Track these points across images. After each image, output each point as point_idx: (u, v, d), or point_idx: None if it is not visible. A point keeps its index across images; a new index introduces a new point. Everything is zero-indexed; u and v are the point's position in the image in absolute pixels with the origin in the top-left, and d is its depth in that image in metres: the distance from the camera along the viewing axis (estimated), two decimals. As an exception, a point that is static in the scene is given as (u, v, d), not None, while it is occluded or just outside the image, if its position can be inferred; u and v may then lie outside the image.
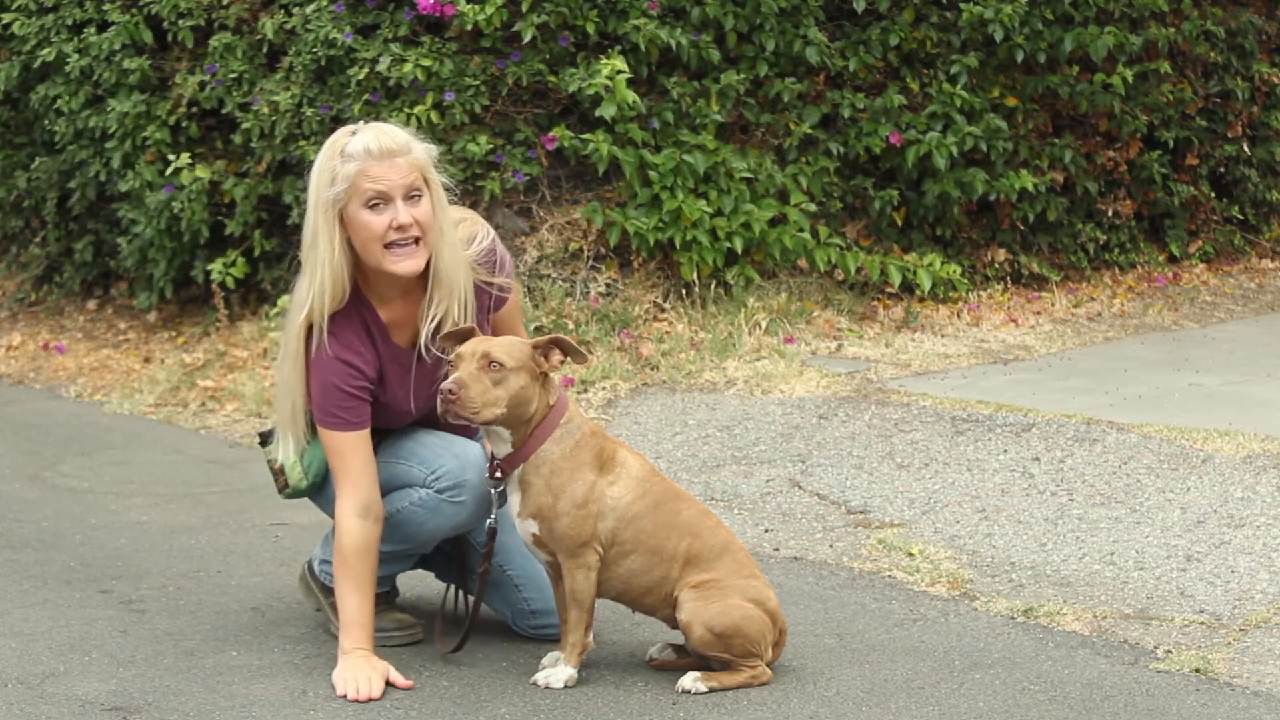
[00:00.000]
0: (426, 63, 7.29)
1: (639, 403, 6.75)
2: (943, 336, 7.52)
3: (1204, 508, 5.29)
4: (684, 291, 7.51)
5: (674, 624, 4.06)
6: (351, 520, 4.07)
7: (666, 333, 7.30)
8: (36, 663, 4.18)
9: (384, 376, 4.14)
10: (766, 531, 5.44)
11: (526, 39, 7.37)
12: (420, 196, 4.04)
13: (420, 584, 4.71)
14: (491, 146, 7.39)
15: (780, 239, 7.52)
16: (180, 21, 8.01)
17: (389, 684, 4.00)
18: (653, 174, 7.39)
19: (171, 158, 7.87)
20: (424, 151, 4.09)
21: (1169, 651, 4.29)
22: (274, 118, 7.65)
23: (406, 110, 7.25)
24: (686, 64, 7.67)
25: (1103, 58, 8.33)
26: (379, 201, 4.00)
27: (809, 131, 7.87)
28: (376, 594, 4.35)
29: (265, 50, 7.87)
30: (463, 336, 4.02)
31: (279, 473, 4.29)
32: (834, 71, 8.04)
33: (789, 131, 7.87)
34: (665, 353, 7.11)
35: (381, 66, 7.30)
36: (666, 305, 7.49)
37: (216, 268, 7.89)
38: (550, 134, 7.40)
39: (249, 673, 4.12)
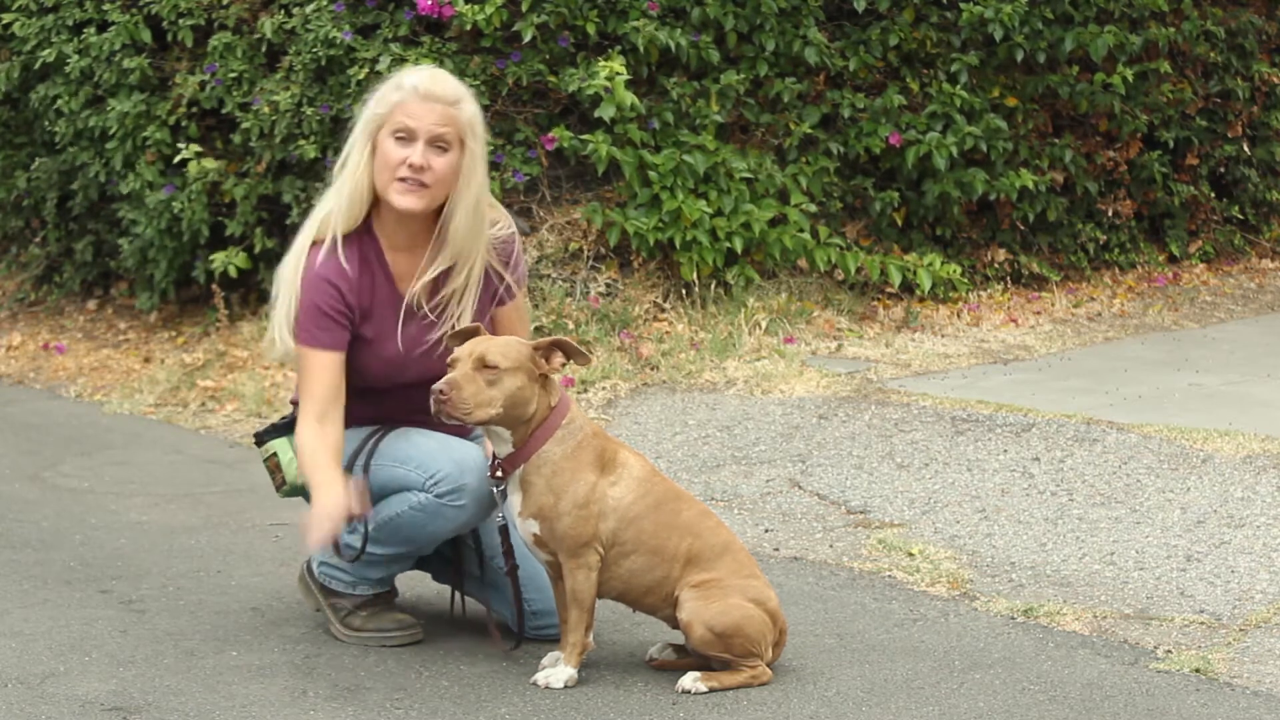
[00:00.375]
0: (426, 62, 7.28)
1: (639, 403, 6.75)
2: (943, 336, 7.52)
3: (1204, 508, 5.29)
4: (684, 291, 7.51)
5: (675, 624, 4.06)
6: (309, 426, 4.10)
7: (666, 333, 7.30)
8: (36, 663, 4.17)
9: (371, 313, 4.18)
10: (766, 531, 5.44)
11: (526, 39, 7.37)
12: (446, 150, 4.11)
13: (420, 584, 4.71)
14: (491, 147, 7.38)
15: (780, 239, 7.52)
16: (180, 21, 8.01)
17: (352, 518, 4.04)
18: (652, 174, 7.39)
19: (180, 146, 7.87)
20: (469, 113, 4.16)
21: (1169, 651, 4.29)
22: (274, 117, 7.65)
23: (406, 110, 7.25)
24: (686, 64, 7.67)
25: (1103, 57, 8.33)
26: (405, 136, 4.10)
27: (809, 131, 7.87)
28: (376, 594, 4.36)
29: (265, 50, 7.87)
30: (467, 336, 4.04)
31: (275, 469, 4.29)
32: (834, 71, 8.05)
33: (789, 131, 7.87)
34: (665, 353, 7.11)
35: (381, 66, 7.29)
36: (666, 305, 7.49)
37: (220, 258, 7.88)
38: (550, 134, 7.40)
39: (249, 673, 4.12)
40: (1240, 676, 4.11)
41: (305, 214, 4.24)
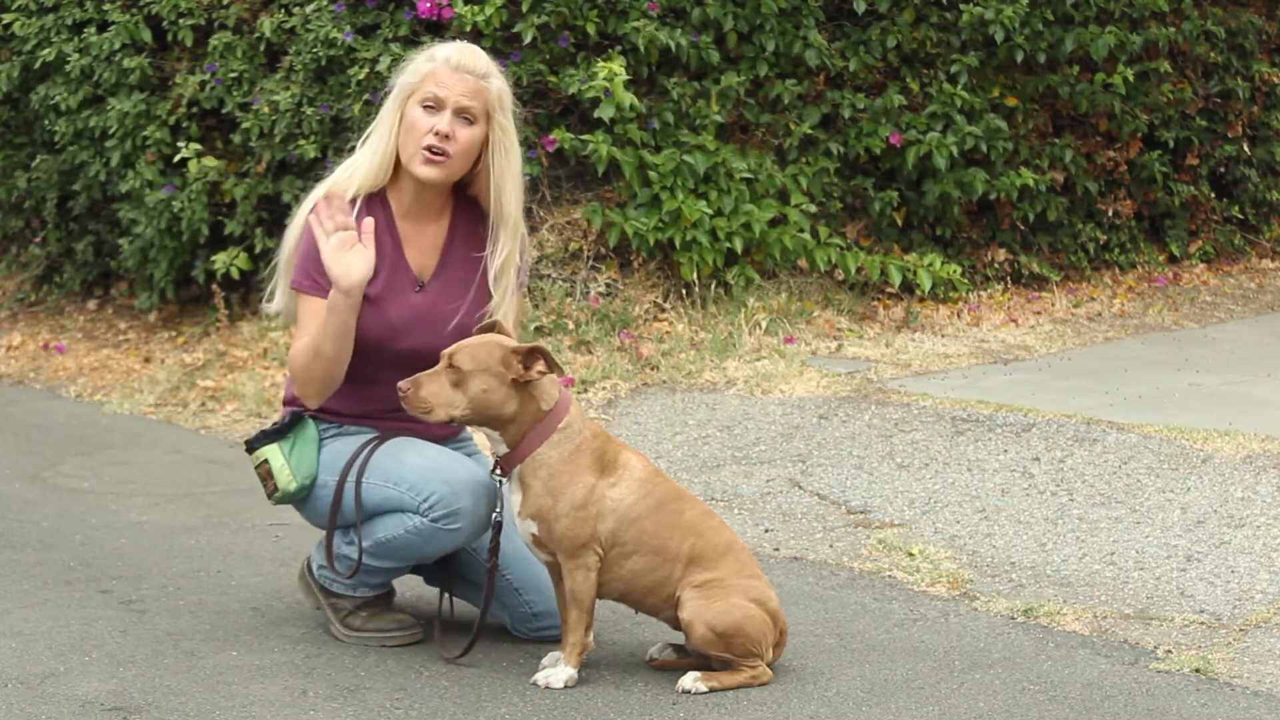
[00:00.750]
0: (426, 63, 7.29)
1: (639, 403, 6.75)
2: (943, 336, 7.52)
3: (1204, 508, 5.29)
4: (684, 291, 7.51)
5: (676, 625, 4.06)
6: (301, 345, 4.16)
7: (666, 333, 7.30)
8: (36, 663, 4.17)
9: (377, 270, 4.20)
10: (767, 531, 5.44)
11: (526, 39, 7.38)
12: (472, 123, 4.17)
13: (420, 584, 4.70)
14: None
15: (780, 239, 7.52)
16: (180, 21, 8.01)
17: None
18: (652, 174, 7.39)
19: (180, 145, 7.87)
20: (497, 88, 4.21)
21: (1169, 651, 4.29)
22: (274, 117, 7.65)
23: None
24: (686, 64, 7.67)
25: (1103, 57, 8.34)
26: (433, 105, 4.16)
27: (809, 132, 7.87)
28: (376, 595, 4.36)
29: (265, 50, 7.88)
30: (488, 330, 4.08)
31: (266, 477, 4.28)
32: (834, 72, 8.05)
33: (789, 132, 7.87)
34: (665, 353, 7.11)
35: (381, 66, 7.29)
36: (666, 305, 7.49)
37: (221, 259, 7.89)
38: (550, 134, 7.40)
39: (249, 673, 4.12)
40: (1240, 676, 4.11)
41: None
